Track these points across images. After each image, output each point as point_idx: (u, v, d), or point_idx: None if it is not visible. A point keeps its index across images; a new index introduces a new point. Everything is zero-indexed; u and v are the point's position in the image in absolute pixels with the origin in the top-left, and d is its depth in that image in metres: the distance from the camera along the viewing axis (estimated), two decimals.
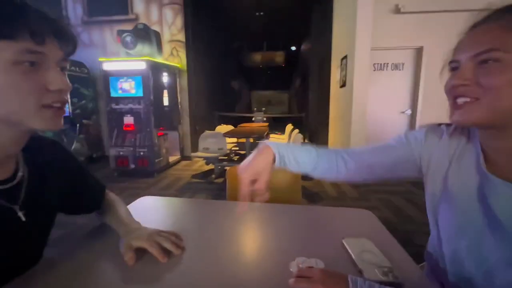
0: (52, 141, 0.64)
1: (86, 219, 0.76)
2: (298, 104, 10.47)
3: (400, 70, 3.71)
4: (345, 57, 3.56)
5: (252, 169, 0.59)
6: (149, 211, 0.88)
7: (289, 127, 4.84)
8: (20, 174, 0.53)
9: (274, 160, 0.62)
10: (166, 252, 0.59)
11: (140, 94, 3.67)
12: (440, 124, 0.61)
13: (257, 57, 10.90)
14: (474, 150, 0.52)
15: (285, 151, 0.63)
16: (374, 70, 3.71)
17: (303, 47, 8.86)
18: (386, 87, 3.74)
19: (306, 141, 6.34)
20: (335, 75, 4.20)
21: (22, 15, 0.41)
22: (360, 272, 0.54)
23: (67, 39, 0.47)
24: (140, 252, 0.58)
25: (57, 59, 0.45)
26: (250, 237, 0.75)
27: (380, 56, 3.66)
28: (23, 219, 0.51)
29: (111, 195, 0.78)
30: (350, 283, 0.45)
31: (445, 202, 0.56)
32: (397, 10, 3.47)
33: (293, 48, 10.45)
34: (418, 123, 3.70)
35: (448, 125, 0.59)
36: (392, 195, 2.98)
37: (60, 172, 0.62)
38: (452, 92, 0.47)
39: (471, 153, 0.53)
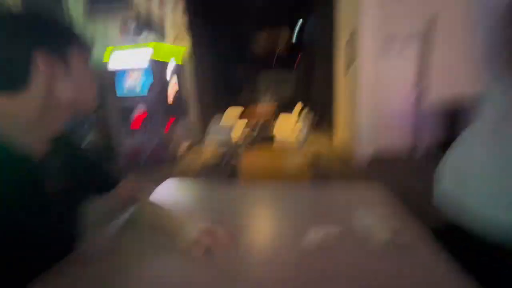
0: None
1: None
2: (306, 83, 10.29)
3: (410, 43, 3.56)
4: (353, 32, 3.45)
5: None
6: (175, 193, 0.95)
7: (298, 106, 4.81)
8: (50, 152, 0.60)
9: None
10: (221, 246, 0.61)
11: (149, 82, 3.71)
12: None
13: (263, 38, 10.66)
14: None
15: None
16: (384, 45, 3.58)
17: (308, 24, 8.55)
18: (397, 60, 3.62)
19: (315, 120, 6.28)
20: (342, 51, 4.08)
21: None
22: (371, 235, 0.60)
23: None
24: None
25: None
26: (269, 216, 0.81)
27: (390, 28, 3.50)
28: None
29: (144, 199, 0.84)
30: None
31: None
32: None
33: (299, 25, 10.11)
34: (429, 96, 3.61)
35: None
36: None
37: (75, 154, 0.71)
38: None
39: None
